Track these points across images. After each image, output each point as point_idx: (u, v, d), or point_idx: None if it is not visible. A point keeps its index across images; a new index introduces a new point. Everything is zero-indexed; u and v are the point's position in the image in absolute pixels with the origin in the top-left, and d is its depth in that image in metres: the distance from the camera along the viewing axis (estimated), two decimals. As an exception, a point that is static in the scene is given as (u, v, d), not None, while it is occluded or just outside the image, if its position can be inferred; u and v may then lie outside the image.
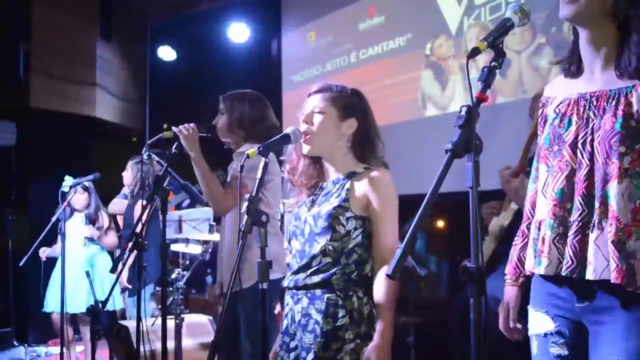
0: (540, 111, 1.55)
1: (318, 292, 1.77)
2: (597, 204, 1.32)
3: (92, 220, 4.47)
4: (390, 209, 1.80)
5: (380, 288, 1.74)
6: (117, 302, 4.45)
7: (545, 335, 1.43)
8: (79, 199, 4.41)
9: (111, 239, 4.56)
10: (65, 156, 6.05)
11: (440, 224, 5.08)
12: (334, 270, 1.76)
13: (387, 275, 1.12)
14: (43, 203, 4.60)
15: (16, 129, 6.08)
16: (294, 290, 1.84)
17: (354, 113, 1.88)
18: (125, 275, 4.19)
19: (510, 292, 1.63)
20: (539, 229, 1.44)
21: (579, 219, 1.35)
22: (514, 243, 1.61)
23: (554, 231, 1.39)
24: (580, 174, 1.36)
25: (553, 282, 1.41)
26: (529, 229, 1.55)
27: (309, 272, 1.78)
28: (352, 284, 1.77)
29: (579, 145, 1.37)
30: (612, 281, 1.26)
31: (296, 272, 1.82)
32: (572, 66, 1.47)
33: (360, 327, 1.74)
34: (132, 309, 4.30)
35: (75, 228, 4.45)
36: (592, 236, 1.32)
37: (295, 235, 1.88)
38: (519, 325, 1.61)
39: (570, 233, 1.35)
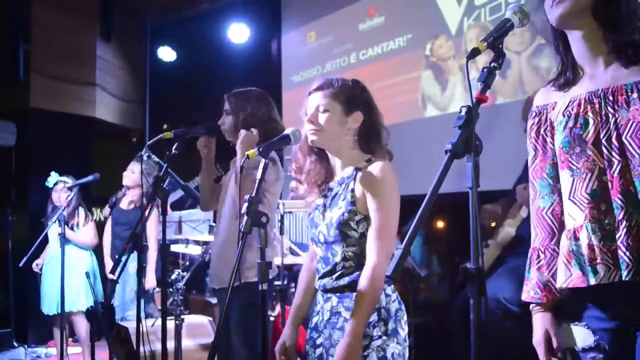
0: (536, 120, 1.50)
1: (347, 291, 1.79)
2: None
3: (65, 220, 4.39)
4: (383, 200, 1.76)
5: (363, 281, 1.71)
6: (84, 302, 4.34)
7: (584, 350, 1.37)
8: (63, 197, 4.36)
9: (88, 238, 4.44)
10: (65, 156, 6.05)
11: (440, 224, 5.08)
12: (358, 272, 1.77)
13: (387, 276, 1.12)
14: (43, 203, 4.59)
15: (16, 129, 6.08)
16: (322, 291, 1.87)
17: (358, 106, 1.87)
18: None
19: (545, 319, 1.47)
20: (577, 238, 1.36)
21: (625, 217, 1.28)
22: (539, 266, 1.47)
23: (597, 235, 1.32)
24: (613, 171, 1.30)
25: (593, 292, 1.34)
26: (557, 246, 1.44)
27: (334, 276, 1.81)
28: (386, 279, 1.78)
29: (604, 142, 1.32)
30: None
31: (322, 277, 1.85)
32: (568, 73, 1.45)
33: (387, 325, 1.75)
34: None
35: (55, 228, 4.37)
36: None
37: (315, 242, 1.89)
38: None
39: (620, 235, 1.29)
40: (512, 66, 4.10)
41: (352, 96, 1.87)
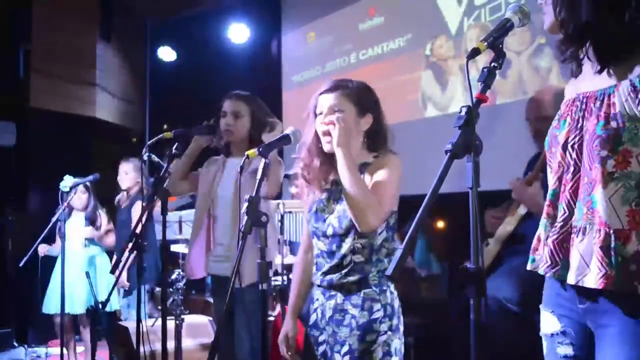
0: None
1: (354, 288, 1.81)
2: (584, 209, 1.29)
3: (91, 220, 4.46)
4: (392, 172, 1.81)
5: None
6: (114, 303, 4.41)
7: (552, 335, 1.40)
8: (80, 199, 4.41)
9: (111, 238, 4.55)
10: (65, 157, 6.05)
11: (440, 224, 5.08)
12: (368, 268, 1.81)
13: (387, 276, 1.13)
14: (43, 203, 4.60)
15: (16, 129, 6.08)
16: (325, 288, 1.86)
17: (369, 109, 1.90)
18: (124, 275, 4.18)
19: None
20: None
21: (562, 221, 1.33)
22: None
23: (546, 231, 1.39)
24: (568, 176, 1.34)
25: (559, 282, 1.39)
26: None
27: (343, 272, 1.82)
28: (386, 279, 1.82)
29: (569, 147, 1.35)
30: (598, 287, 1.23)
31: (327, 272, 1.85)
32: (573, 64, 1.45)
33: (392, 320, 1.80)
34: (125, 310, 4.30)
35: (75, 228, 4.43)
36: (576, 240, 1.30)
37: (317, 235, 1.90)
38: None
39: (552, 233, 1.35)
40: (512, 66, 4.10)
41: (364, 98, 1.90)
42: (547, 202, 1.41)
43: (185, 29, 7.26)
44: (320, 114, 1.87)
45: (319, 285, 1.88)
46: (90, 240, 4.48)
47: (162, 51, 7.41)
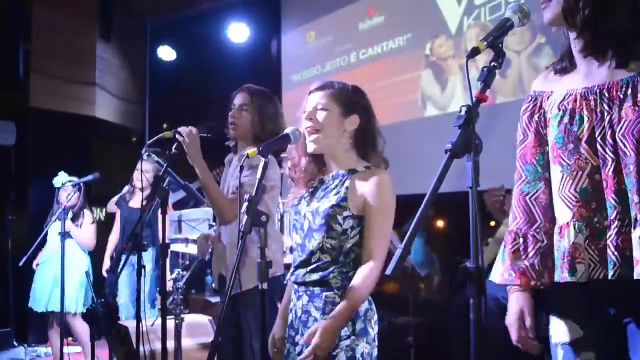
0: (530, 105, 1.47)
1: (317, 290, 1.80)
2: (637, 199, 1.24)
3: (73, 218, 4.40)
4: (386, 210, 1.81)
5: (359, 277, 1.75)
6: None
7: (572, 343, 1.36)
8: (73, 197, 4.37)
9: (89, 240, 4.45)
10: (65, 156, 6.04)
11: (440, 224, 5.08)
12: (332, 268, 1.79)
13: (387, 276, 1.12)
14: (43, 203, 4.59)
15: (16, 129, 6.08)
16: (296, 287, 1.88)
17: (356, 110, 1.90)
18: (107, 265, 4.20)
19: (521, 299, 1.45)
20: (564, 236, 1.35)
21: (617, 217, 1.27)
22: (514, 249, 1.46)
23: (584, 234, 1.31)
24: (608, 170, 1.28)
25: (580, 287, 1.33)
26: (539, 234, 1.44)
27: (308, 268, 1.82)
28: (350, 282, 1.79)
29: (599, 140, 1.30)
30: None
31: (298, 267, 1.87)
32: (565, 62, 1.44)
33: (356, 324, 1.77)
34: (126, 310, 4.31)
35: (56, 227, 4.37)
36: (635, 233, 1.24)
37: (295, 229, 1.92)
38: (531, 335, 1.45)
39: (611, 234, 1.27)
40: (512, 66, 4.10)
41: (351, 100, 1.90)
42: (577, 204, 1.33)
43: (185, 29, 7.25)
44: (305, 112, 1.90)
45: (294, 282, 1.89)
46: (64, 235, 4.37)
47: (162, 51, 7.40)
